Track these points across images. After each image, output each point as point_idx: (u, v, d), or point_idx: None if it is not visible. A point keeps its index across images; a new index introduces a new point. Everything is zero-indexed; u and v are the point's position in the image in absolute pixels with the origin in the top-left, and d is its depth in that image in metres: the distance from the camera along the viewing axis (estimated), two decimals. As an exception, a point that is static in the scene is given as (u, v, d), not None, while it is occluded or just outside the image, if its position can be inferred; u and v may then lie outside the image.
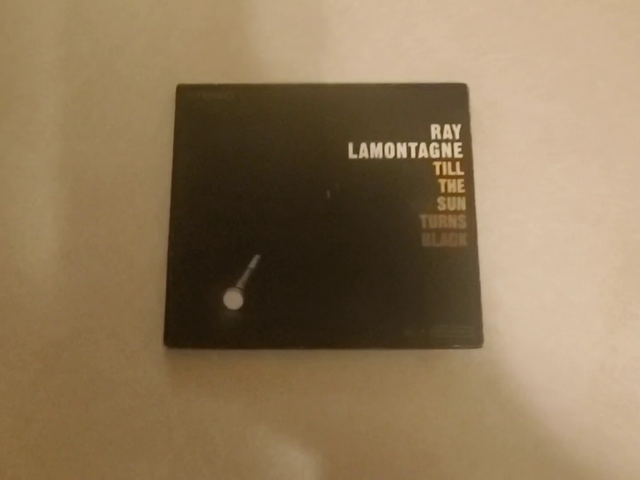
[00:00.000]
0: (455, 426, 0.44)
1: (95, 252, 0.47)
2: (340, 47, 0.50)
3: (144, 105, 0.49)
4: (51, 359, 0.45)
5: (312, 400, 0.45)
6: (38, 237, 0.47)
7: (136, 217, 0.47)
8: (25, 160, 0.48)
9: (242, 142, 0.47)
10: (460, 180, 0.46)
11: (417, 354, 0.45)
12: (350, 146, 0.46)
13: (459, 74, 0.49)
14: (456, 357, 0.45)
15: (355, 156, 0.46)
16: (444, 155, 0.46)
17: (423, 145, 0.47)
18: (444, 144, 0.47)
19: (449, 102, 0.47)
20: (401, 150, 0.47)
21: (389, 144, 0.47)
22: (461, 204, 0.46)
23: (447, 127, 0.47)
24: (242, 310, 0.44)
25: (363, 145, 0.47)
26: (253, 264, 0.45)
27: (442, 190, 0.46)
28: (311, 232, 0.45)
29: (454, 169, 0.46)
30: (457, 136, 0.47)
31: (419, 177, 0.46)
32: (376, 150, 0.46)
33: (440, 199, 0.46)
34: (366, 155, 0.46)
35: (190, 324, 0.44)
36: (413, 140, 0.47)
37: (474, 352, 0.45)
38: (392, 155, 0.46)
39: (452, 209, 0.45)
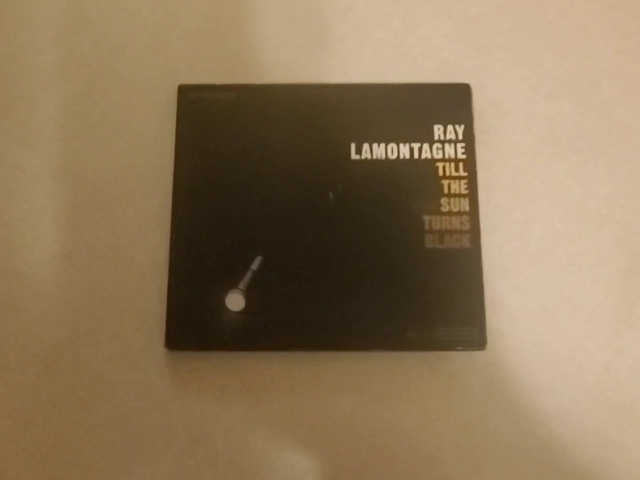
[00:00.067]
0: (458, 428, 0.44)
1: (95, 253, 0.46)
2: (342, 46, 0.50)
3: (144, 105, 0.49)
4: (52, 361, 0.45)
5: (315, 402, 0.44)
6: (38, 238, 0.47)
7: (137, 218, 0.47)
8: (25, 161, 0.48)
9: (243, 142, 0.46)
10: (463, 181, 0.46)
11: (420, 356, 0.45)
12: (353, 147, 0.46)
13: (462, 73, 0.49)
14: (459, 359, 0.45)
15: (357, 157, 0.46)
16: (447, 156, 0.46)
17: (426, 146, 0.46)
18: (447, 145, 0.46)
19: (452, 102, 0.47)
20: (404, 151, 0.46)
21: (392, 145, 0.46)
22: (464, 205, 0.45)
23: (450, 127, 0.47)
24: (244, 312, 0.44)
25: (366, 146, 0.46)
26: (255, 265, 0.44)
27: (445, 191, 0.45)
28: (313, 233, 0.45)
29: (457, 169, 0.46)
30: (460, 137, 0.46)
31: (421, 178, 0.46)
32: (379, 151, 0.46)
33: (443, 200, 0.45)
34: (369, 156, 0.46)
35: (192, 326, 0.44)
36: (416, 141, 0.46)
37: (478, 354, 0.45)
38: (394, 156, 0.46)
39: (455, 210, 0.45)
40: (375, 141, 0.46)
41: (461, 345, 0.43)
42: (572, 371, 0.45)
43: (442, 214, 0.45)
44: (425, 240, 0.45)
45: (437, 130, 0.47)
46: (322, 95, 0.47)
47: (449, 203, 0.45)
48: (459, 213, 0.45)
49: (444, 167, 0.46)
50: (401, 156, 0.46)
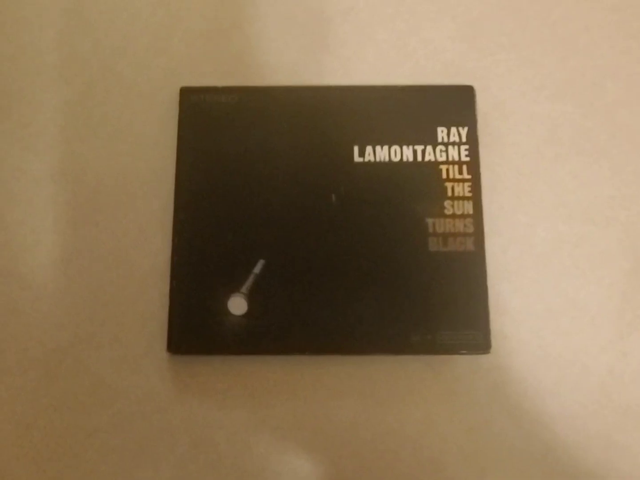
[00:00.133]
0: (462, 432, 0.44)
1: (97, 256, 0.46)
2: (344, 48, 0.50)
3: (146, 107, 0.49)
4: (53, 365, 0.45)
5: (318, 406, 0.44)
6: (39, 241, 0.47)
7: (139, 221, 0.47)
8: (25, 163, 0.48)
9: (246, 145, 0.46)
10: (467, 184, 0.45)
11: (423, 359, 0.45)
12: (356, 149, 0.46)
13: (465, 75, 0.49)
14: (463, 363, 0.45)
15: (360, 159, 0.46)
16: (450, 159, 0.46)
17: (429, 148, 0.46)
18: (450, 147, 0.46)
19: (455, 104, 0.47)
20: (407, 153, 0.46)
21: (395, 147, 0.46)
22: (468, 207, 0.45)
23: (453, 129, 0.46)
24: (246, 315, 0.44)
25: (369, 149, 0.46)
26: (257, 268, 0.44)
27: (449, 193, 0.45)
28: (316, 236, 0.45)
29: (460, 172, 0.46)
30: (463, 139, 0.46)
31: (425, 181, 0.45)
32: (382, 154, 0.46)
33: (447, 203, 0.45)
34: (372, 159, 0.46)
35: (194, 330, 0.43)
36: (419, 143, 0.46)
37: (482, 358, 0.45)
38: (398, 159, 0.46)
39: (459, 212, 0.45)
40: (378, 143, 0.46)
41: (465, 349, 0.43)
42: (577, 374, 0.45)
43: (446, 216, 0.45)
44: (428, 243, 0.44)
45: (441, 132, 0.46)
46: (324, 98, 0.47)
47: (452, 206, 0.45)
48: (463, 216, 0.45)
49: (447, 170, 0.46)
50: (404, 159, 0.46)
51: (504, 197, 0.47)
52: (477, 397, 0.44)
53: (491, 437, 0.44)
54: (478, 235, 0.45)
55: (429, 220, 0.45)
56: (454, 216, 0.45)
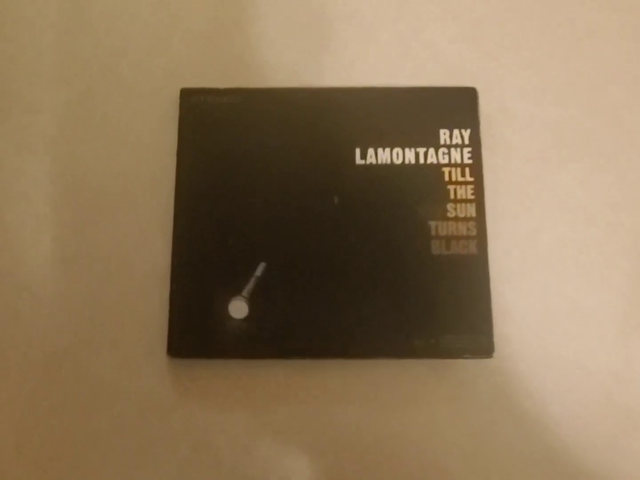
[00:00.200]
0: (465, 436, 0.44)
1: (97, 259, 0.46)
2: (346, 50, 0.50)
3: (146, 108, 0.49)
4: (52, 369, 0.44)
5: (319, 410, 0.44)
6: (39, 244, 0.46)
7: (139, 223, 0.47)
8: (25, 164, 0.48)
9: (247, 147, 0.46)
10: (470, 187, 0.45)
11: (426, 363, 0.44)
12: (358, 152, 0.46)
13: (468, 77, 0.49)
14: (467, 367, 0.44)
15: (362, 162, 0.46)
16: (453, 161, 0.46)
17: (432, 151, 0.46)
18: (453, 150, 0.46)
19: (458, 106, 0.47)
20: (409, 155, 0.46)
21: (397, 150, 0.46)
22: (471, 210, 0.45)
23: (456, 132, 0.46)
24: (247, 319, 0.43)
25: (371, 151, 0.46)
26: (259, 271, 0.44)
27: (452, 196, 0.45)
28: (318, 239, 0.44)
29: (463, 174, 0.45)
30: (466, 141, 0.46)
31: (427, 183, 0.45)
32: (384, 156, 0.46)
33: (449, 206, 0.45)
34: (374, 161, 0.46)
35: (195, 333, 0.43)
36: (421, 146, 0.46)
37: (485, 362, 0.44)
38: (400, 161, 0.46)
39: (461, 215, 0.45)
40: (380, 146, 0.46)
41: (468, 353, 0.43)
42: (580, 378, 0.44)
43: (449, 219, 0.45)
44: (431, 246, 0.44)
45: (443, 134, 0.46)
46: (326, 99, 0.47)
47: (455, 209, 0.45)
48: (466, 219, 0.45)
49: (450, 172, 0.45)
50: (407, 161, 0.46)
51: (506, 199, 0.47)
52: (480, 401, 0.44)
53: (495, 441, 0.43)
54: (481, 238, 0.45)
55: (432, 223, 0.45)
56: (456, 219, 0.45)
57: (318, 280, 0.44)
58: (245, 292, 0.44)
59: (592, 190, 0.47)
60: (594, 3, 0.50)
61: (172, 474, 0.43)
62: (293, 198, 0.45)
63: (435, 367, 0.44)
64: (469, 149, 0.46)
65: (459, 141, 0.46)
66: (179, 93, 0.47)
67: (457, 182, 0.45)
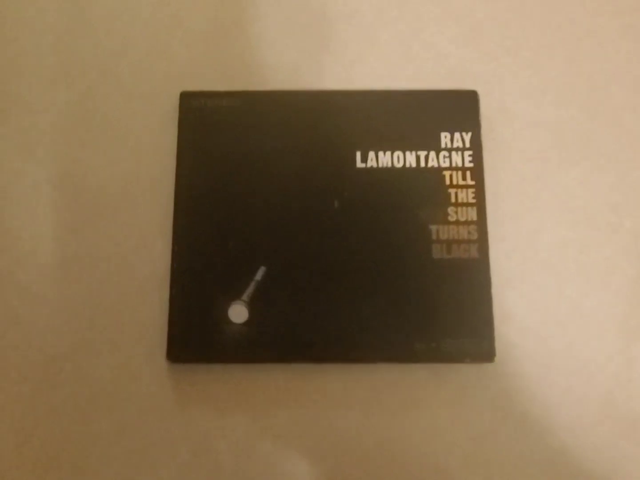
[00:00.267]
0: (467, 441, 0.43)
1: (96, 263, 0.46)
2: (347, 52, 0.49)
3: (146, 111, 0.48)
4: (51, 373, 0.44)
5: (320, 415, 0.44)
6: (38, 247, 0.46)
7: (138, 227, 0.46)
8: (24, 167, 0.47)
9: (246, 150, 0.46)
10: (471, 190, 0.45)
11: (427, 368, 0.44)
12: (358, 155, 0.46)
13: (469, 79, 0.49)
14: (468, 371, 0.44)
15: (363, 165, 0.45)
16: (454, 164, 0.45)
17: (432, 154, 0.46)
18: (454, 153, 0.46)
19: (459, 109, 0.46)
20: (410, 159, 0.46)
21: (398, 153, 0.46)
22: (472, 214, 0.45)
23: (457, 135, 0.46)
24: (247, 324, 0.43)
25: (371, 154, 0.46)
26: (259, 276, 0.44)
27: (453, 200, 0.45)
28: (318, 243, 0.44)
29: (464, 178, 0.45)
30: (467, 144, 0.46)
31: (428, 187, 0.45)
32: (384, 159, 0.46)
33: (450, 209, 0.45)
34: (374, 164, 0.45)
35: (194, 338, 0.43)
36: (422, 149, 0.46)
37: (486, 366, 0.44)
38: (400, 164, 0.45)
39: (462, 219, 0.44)
40: (381, 149, 0.46)
41: (470, 358, 0.43)
42: (582, 382, 0.44)
43: (450, 223, 0.44)
44: (432, 250, 0.44)
45: (444, 137, 0.46)
46: (326, 102, 0.47)
47: (456, 212, 0.45)
48: (467, 222, 0.44)
49: (450, 176, 0.45)
50: (407, 164, 0.46)
51: (508, 203, 0.47)
52: (482, 405, 0.44)
53: (496, 446, 0.43)
54: (482, 242, 0.44)
55: (433, 227, 0.44)
56: (457, 223, 0.44)
57: (318, 285, 0.44)
58: (245, 297, 0.43)
59: (593, 191, 0.47)
60: (594, 4, 0.50)
61: (172, 479, 0.43)
62: (293, 202, 0.45)
63: (436, 371, 0.44)
64: (470, 152, 0.46)
65: (460, 144, 0.46)
66: (178, 96, 0.47)
67: (458, 186, 0.45)
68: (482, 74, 0.49)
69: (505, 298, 0.45)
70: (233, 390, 0.44)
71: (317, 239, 0.44)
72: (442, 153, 0.46)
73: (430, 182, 0.45)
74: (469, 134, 0.46)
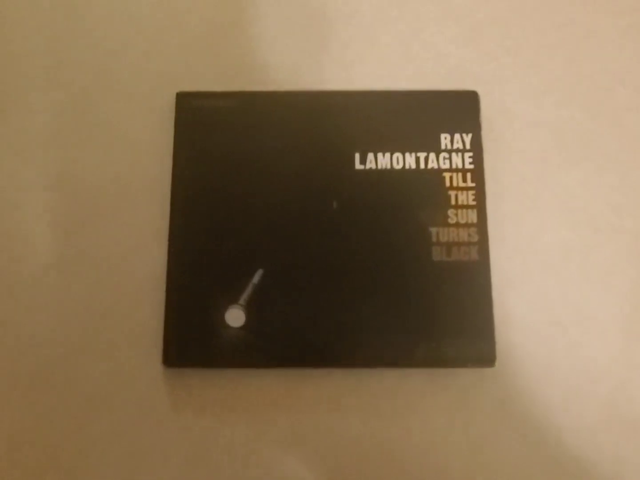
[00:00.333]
0: (467, 446, 0.43)
1: (91, 265, 0.45)
2: (346, 52, 0.49)
3: (142, 112, 0.48)
4: (45, 377, 0.44)
5: (318, 421, 0.43)
6: (32, 249, 0.46)
7: (134, 229, 0.46)
8: (18, 169, 0.47)
9: (244, 151, 0.45)
10: (471, 192, 0.45)
11: (427, 372, 0.44)
12: (357, 156, 0.45)
13: (469, 80, 0.48)
14: (468, 375, 0.44)
15: (362, 167, 0.45)
16: (454, 166, 0.45)
17: (432, 156, 0.45)
18: (454, 154, 0.45)
19: (459, 110, 0.46)
20: (410, 160, 0.45)
21: (397, 154, 0.45)
22: (472, 216, 0.44)
23: (457, 136, 0.46)
24: (244, 327, 0.43)
25: (370, 156, 0.45)
26: (256, 279, 0.43)
27: (453, 202, 0.44)
28: (317, 245, 0.44)
29: (464, 180, 0.45)
30: (467, 146, 0.45)
31: (428, 189, 0.45)
32: (384, 161, 0.45)
33: (450, 212, 0.44)
34: (373, 166, 0.45)
35: (190, 342, 0.43)
36: (422, 150, 0.45)
37: (487, 370, 0.44)
38: (400, 166, 0.45)
39: (463, 221, 0.44)
40: (380, 150, 0.45)
41: (470, 362, 0.42)
42: (584, 385, 0.44)
43: (450, 225, 0.44)
44: (432, 252, 0.44)
45: (444, 139, 0.46)
46: (325, 103, 0.46)
47: (456, 214, 0.44)
48: (467, 225, 0.44)
49: (450, 178, 0.45)
50: (407, 166, 0.45)
51: (508, 205, 0.46)
52: (482, 410, 0.43)
53: (497, 450, 0.43)
54: (482, 244, 0.44)
55: (433, 230, 0.44)
56: (457, 225, 0.44)
57: (316, 288, 0.43)
58: (242, 300, 0.43)
59: (595, 193, 0.47)
60: (595, 4, 0.50)
61: (168, 485, 0.42)
62: (291, 203, 0.45)
63: (436, 375, 0.44)
64: (470, 153, 0.45)
65: (460, 146, 0.45)
66: (174, 97, 0.47)
67: (458, 188, 0.45)
68: (483, 75, 0.49)
69: (506, 301, 0.45)
70: (230, 395, 0.43)
71: (315, 242, 0.44)
72: (442, 154, 0.45)
73: (430, 184, 0.45)
74: (469, 135, 0.46)
